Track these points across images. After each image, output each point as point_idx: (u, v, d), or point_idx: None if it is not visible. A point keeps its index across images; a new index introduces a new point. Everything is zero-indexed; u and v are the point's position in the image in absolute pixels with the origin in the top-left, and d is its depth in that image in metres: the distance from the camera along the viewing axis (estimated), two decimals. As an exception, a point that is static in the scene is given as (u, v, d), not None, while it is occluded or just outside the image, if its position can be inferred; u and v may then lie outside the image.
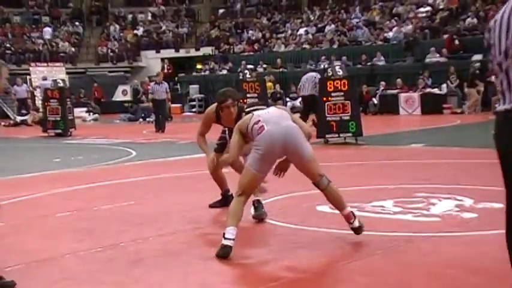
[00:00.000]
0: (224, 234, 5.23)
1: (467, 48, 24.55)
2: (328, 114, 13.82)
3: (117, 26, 37.70)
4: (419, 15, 28.77)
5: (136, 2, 39.80)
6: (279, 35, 32.50)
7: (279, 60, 28.64)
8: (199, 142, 6.98)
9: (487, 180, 8.11)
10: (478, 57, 23.36)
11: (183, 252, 5.55)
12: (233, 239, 5.17)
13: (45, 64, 31.63)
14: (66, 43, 35.47)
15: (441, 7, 28.66)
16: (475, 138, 14.75)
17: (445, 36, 26.19)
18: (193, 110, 29.27)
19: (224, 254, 5.14)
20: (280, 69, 28.19)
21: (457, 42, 24.52)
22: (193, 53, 34.84)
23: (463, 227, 5.93)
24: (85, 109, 28.53)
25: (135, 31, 37.12)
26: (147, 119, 23.48)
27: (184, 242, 5.90)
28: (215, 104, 6.59)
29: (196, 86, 30.23)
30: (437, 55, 24.69)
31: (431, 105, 22.28)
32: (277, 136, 5.38)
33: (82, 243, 5.89)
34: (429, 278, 4.60)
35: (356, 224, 5.59)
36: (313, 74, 16.63)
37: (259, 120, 5.46)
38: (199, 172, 10.33)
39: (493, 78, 20.95)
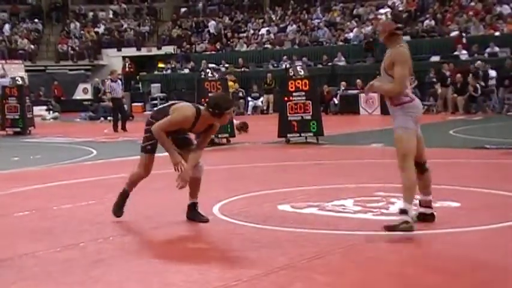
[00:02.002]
0: (407, 211, 5.53)
1: (425, 49, 24.88)
2: (289, 114, 13.86)
3: (78, 24, 37.26)
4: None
5: (97, 0, 39.37)
6: (241, 35, 32.50)
7: (240, 60, 28.64)
8: (163, 139, 6.18)
9: (444, 180, 8.22)
10: (435, 58, 23.70)
11: (143, 252, 5.50)
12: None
13: (3, 61, 31.05)
14: (25, 40, 34.92)
15: (400, 9, 28.97)
16: (433, 138, 14.93)
17: (405, 37, 26.45)
18: (155, 108, 29.07)
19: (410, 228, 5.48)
20: (242, 69, 28.20)
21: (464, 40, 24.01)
22: (155, 51, 34.64)
23: (422, 226, 5.99)
24: (45, 107, 28.15)
25: (96, 29, 36.73)
26: (108, 118, 23.26)
27: (145, 241, 5.85)
28: (194, 108, 6.20)
29: (158, 85, 30.05)
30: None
31: (391, 105, 22.48)
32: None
33: (41, 243, 5.80)
34: (390, 277, 4.64)
35: (430, 211, 5.99)
36: None
37: None
38: (159, 171, 10.27)
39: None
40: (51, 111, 27.90)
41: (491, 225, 5.94)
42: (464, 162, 9.59)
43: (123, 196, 6.65)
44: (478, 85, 20.99)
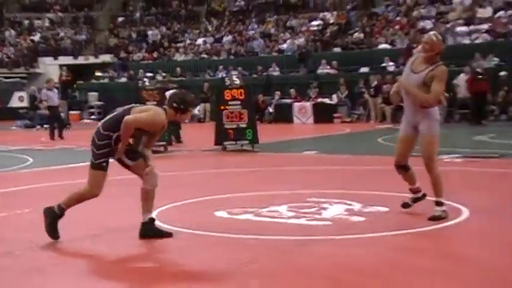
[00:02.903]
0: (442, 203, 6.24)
1: (354, 61, 25.31)
2: (225, 122, 13.87)
3: (13, 32, 36.35)
4: (312, 28, 29.44)
5: (33, 7, 38.52)
6: (178, 44, 32.36)
7: (178, 69, 28.51)
8: (128, 135, 5.76)
9: (373, 186, 8.38)
10: (364, 69, 24.14)
11: (79, 259, 5.39)
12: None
13: None
14: (-41, 48, 33.86)
15: (331, 22, 29.45)
16: (363, 146, 15.22)
17: (336, 49, 26.90)
18: (92, 117, 28.70)
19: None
20: (180, 78, 28.06)
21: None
22: (92, 60, 34.12)
23: (353, 230, 6.08)
24: (-20, 115, 27.33)
25: (32, 37, 35.92)
26: (45, 126, 22.74)
27: (82, 248, 5.74)
28: (161, 109, 5.86)
29: (95, 94, 29.60)
30: (328, 67, 25.32)
31: (322, 115, 22.81)
32: None
33: (-25, 252, 5.61)
34: (322, 281, 4.68)
35: (420, 194, 6.76)
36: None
37: None
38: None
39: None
40: (-14, 119, 27.09)
41: (417, 229, 6.08)
42: (392, 169, 9.76)
43: (59, 216, 5.94)
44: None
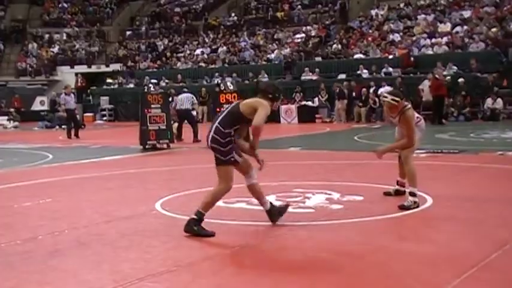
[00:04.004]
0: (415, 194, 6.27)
1: (333, 69, 25.35)
2: (221, 122, 13.83)
3: (35, 44, 36.18)
4: (296, 40, 29.43)
5: (53, 23, 38.35)
6: (179, 55, 32.29)
7: (179, 76, 28.43)
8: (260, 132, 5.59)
9: (350, 178, 8.41)
10: (342, 76, 24.17)
11: (95, 243, 5.39)
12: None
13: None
14: (-12, 59, 33.62)
15: (313, 34, 29.46)
16: (341, 143, 15.25)
17: (317, 58, 26.92)
18: (104, 118, 28.73)
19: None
20: (180, 84, 27.97)
21: (412, 58, 23.91)
22: (103, 68, 33.98)
23: (332, 217, 6.10)
24: (6, 117, 27.24)
25: (52, 49, 35.77)
26: (63, 126, 22.65)
27: (96, 233, 5.73)
28: (266, 101, 5.53)
29: (106, 98, 29.49)
30: (311, 74, 25.33)
31: (306, 116, 22.81)
32: None
33: (2, 237, 5.59)
34: (306, 260, 4.70)
35: (403, 190, 6.85)
36: (190, 95, 16.78)
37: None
38: (109, 173, 10.09)
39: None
40: (11, 121, 26.99)
41: (388, 215, 6.11)
42: (366, 163, 9.81)
43: (201, 220, 5.44)
44: (376, 99, 21.51)
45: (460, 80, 20.95)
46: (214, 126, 5.51)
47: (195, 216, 5.45)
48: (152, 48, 34.20)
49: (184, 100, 16.23)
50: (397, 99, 6.38)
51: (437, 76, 19.82)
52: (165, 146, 14.12)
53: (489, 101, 20.11)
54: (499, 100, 19.95)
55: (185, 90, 18.22)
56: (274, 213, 5.79)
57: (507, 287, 3.97)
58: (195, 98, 16.97)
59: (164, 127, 14.07)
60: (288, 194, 7.31)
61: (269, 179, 8.78)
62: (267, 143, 15.09)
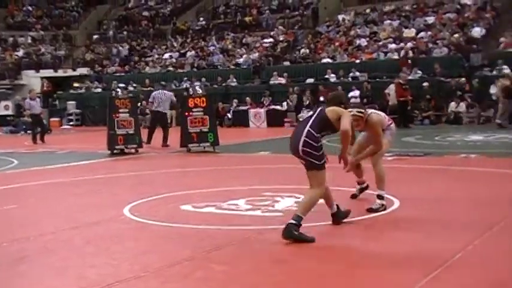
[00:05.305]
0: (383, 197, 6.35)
1: (302, 73, 25.48)
2: (190, 126, 13.80)
3: (-1, 48, 35.52)
4: (264, 45, 29.52)
5: (17, 26, 37.70)
6: (147, 59, 32.07)
7: (147, 80, 28.22)
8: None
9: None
10: (310, 80, 24.32)
11: (62, 249, 5.30)
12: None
13: None
14: (-50, 62, 32.83)
15: (281, 39, 29.58)
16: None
17: (285, 63, 27.04)
18: (71, 123, 28.34)
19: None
20: (149, 88, 27.77)
21: (410, 61, 23.48)
22: (70, 72, 33.49)
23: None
24: (-31, 122, 26.59)
25: (16, 52, 35.16)
26: (28, 131, 22.25)
27: (63, 240, 5.64)
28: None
29: (73, 102, 29.10)
30: (279, 78, 25.42)
31: (274, 120, 22.88)
32: None
33: (-34, 245, 5.46)
34: (274, 263, 4.70)
35: (365, 184, 7.10)
36: (170, 93, 16.73)
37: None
38: (76, 178, 9.95)
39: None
40: (-26, 126, 26.35)
41: (356, 218, 6.13)
42: (333, 166, 9.85)
43: (300, 225, 5.29)
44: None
45: (425, 84, 21.28)
46: (305, 131, 5.45)
47: (293, 221, 5.26)
48: (120, 52, 33.89)
49: (164, 100, 16.08)
50: (362, 111, 6.48)
51: (401, 81, 20.10)
52: (133, 150, 14.00)
53: (453, 104, 20.47)
54: (462, 104, 20.34)
55: (163, 83, 18.10)
56: (340, 216, 5.86)
57: (474, 286, 4.04)
58: (173, 96, 16.75)
59: (132, 132, 13.95)
60: (257, 198, 7.31)
61: (239, 183, 8.79)
62: (236, 147, 15.13)
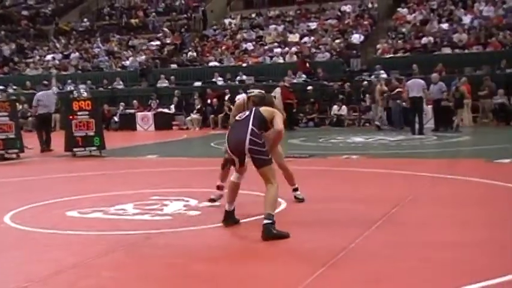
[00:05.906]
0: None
1: (190, 76, 25.46)
2: (75, 130, 13.36)
3: None
4: (151, 47, 29.17)
5: None
6: (28, 60, 30.59)
7: (28, 83, 26.92)
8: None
9: (207, 184, 8.48)
10: (198, 83, 24.36)
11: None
12: None
13: None
14: None
15: (168, 42, 29.38)
16: (198, 149, 15.36)
17: (173, 66, 26.87)
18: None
19: None
20: (30, 91, 26.48)
21: (308, 64, 23.89)
22: None
23: (190, 223, 6.12)
24: None
25: None
26: None
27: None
28: None
29: None
30: (166, 81, 25.23)
31: (162, 123, 22.67)
32: None
33: None
34: (164, 267, 4.68)
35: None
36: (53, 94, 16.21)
37: None
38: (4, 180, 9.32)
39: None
40: None
41: (246, 219, 6.19)
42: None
43: (274, 222, 5.37)
44: (231, 106, 21.90)
45: (309, 87, 22.02)
46: (249, 130, 5.54)
47: (269, 221, 5.31)
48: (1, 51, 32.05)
49: (50, 101, 15.44)
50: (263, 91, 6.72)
51: (286, 84, 20.67)
52: (14, 156, 13.32)
53: (335, 107, 21.35)
54: (344, 107, 21.26)
55: (45, 83, 17.34)
56: (231, 217, 5.87)
57: (354, 283, 4.24)
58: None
59: (13, 136, 13.29)
60: (146, 202, 7.23)
61: (126, 187, 8.63)
62: (123, 151, 14.83)
